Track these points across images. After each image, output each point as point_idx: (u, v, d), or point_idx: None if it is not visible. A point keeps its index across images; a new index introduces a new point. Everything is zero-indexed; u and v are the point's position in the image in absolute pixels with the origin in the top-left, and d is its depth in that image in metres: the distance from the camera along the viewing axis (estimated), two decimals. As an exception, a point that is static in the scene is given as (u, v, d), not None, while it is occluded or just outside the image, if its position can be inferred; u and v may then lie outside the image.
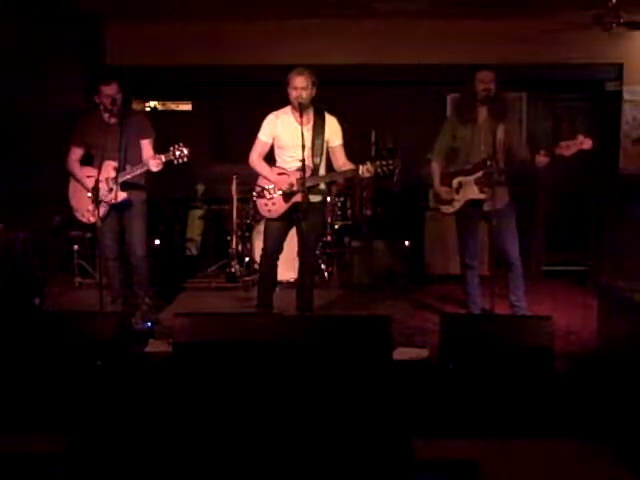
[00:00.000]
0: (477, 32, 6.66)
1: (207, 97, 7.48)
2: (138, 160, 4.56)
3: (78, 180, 4.65)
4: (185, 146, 4.42)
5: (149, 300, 4.88)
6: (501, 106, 4.60)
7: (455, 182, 4.71)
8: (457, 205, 4.71)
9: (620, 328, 3.74)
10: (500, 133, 4.56)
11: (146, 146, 4.61)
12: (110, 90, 4.49)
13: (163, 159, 4.42)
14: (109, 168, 4.42)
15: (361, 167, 4.33)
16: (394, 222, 6.93)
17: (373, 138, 7.27)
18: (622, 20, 5.88)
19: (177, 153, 4.41)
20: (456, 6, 6.33)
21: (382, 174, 4.34)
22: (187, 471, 2.66)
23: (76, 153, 4.67)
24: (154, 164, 4.43)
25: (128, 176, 4.49)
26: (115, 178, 4.41)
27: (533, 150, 4.48)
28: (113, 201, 4.47)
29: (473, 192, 4.60)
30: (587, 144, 4.24)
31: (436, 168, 4.83)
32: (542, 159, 4.34)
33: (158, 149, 4.61)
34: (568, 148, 4.26)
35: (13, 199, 5.51)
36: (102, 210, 4.45)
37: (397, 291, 5.96)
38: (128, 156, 4.56)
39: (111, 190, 4.43)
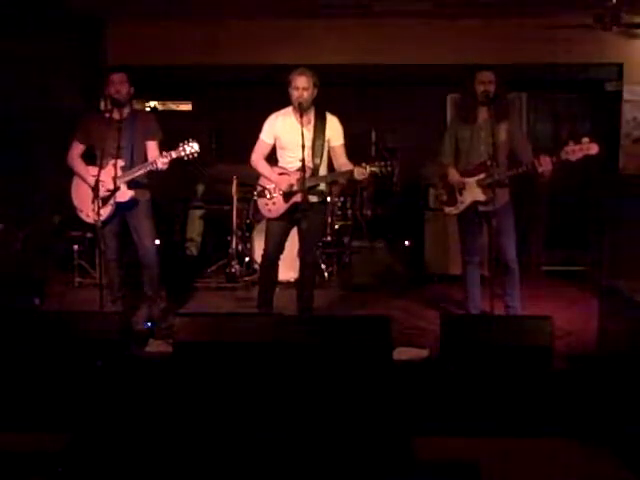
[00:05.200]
0: (477, 32, 6.66)
1: (207, 97, 7.48)
2: (143, 160, 4.50)
3: (80, 175, 4.60)
4: (194, 141, 4.37)
5: (161, 302, 4.83)
6: (502, 106, 4.55)
7: None
8: (462, 207, 4.69)
9: (620, 328, 3.74)
10: (502, 133, 4.54)
11: (152, 147, 4.57)
12: (118, 78, 4.47)
13: (173, 155, 4.37)
14: (114, 166, 4.37)
15: (355, 170, 4.30)
16: (394, 222, 6.93)
17: (373, 138, 7.28)
18: (622, 20, 5.88)
19: (187, 149, 4.36)
20: (456, 6, 6.34)
21: (381, 174, 4.34)
22: (187, 470, 2.66)
23: (77, 148, 4.63)
24: (161, 162, 4.38)
25: (132, 175, 4.45)
26: (114, 177, 4.35)
27: (535, 153, 4.44)
28: (120, 199, 4.42)
29: (477, 194, 4.58)
30: (594, 149, 4.17)
31: (451, 167, 4.74)
32: (546, 167, 4.28)
33: (160, 149, 4.57)
34: (574, 153, 4.19)
35: (13, 199, 5.52)
36: (108, 210, 4.42)
37: (397, 291, 5.95)
38: (134, 156, 4.51)
39: (118, 189, 4.38)
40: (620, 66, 6.83)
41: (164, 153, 4.40)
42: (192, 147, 4.35)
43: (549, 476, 2.67)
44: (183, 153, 4.36)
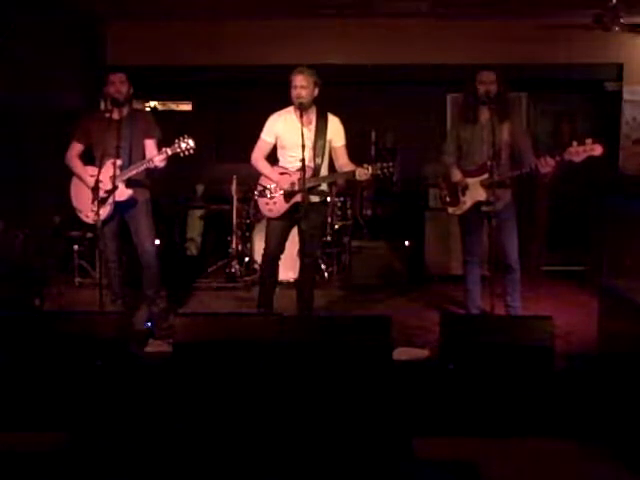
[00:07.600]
0: (477, 32, 6.67)
1: (207, 97, 7.49)
2: (141, 159, 4.51)
3: (78, 175, 4.60)
4: (190, 137, 4.38)
5: (161, 302, 4.82)
6: (504, 106, 4.54)
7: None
8: (465, 207, 4.68)
9: (620, 328, 3.74)
10: (504, 134, 4.53)
11: (150, 146, 4.57)
12: (117, 78, 4.47)
13: (169, 152, 4.37)
14: (113, 166, 4.37)
15: (357, 170, 4.31)
16: (394, 222, 6.93)
17: (373, 138, 7.28)
18: (622, 20, 5.88)
19: (183, 145, 4.36)
20: (456, 6, 6.34)
21: (382, 176, 4.34)
22: (186, 470, 2.66)
23: (76, 148, 4.63)
24: (159, 159, 4.39)
25: (131, 173, 4.45)
26: (113, 176, 4.34)
27: (537, 154, 4.44)
28: (118, 198, 4.42)
29: (479, 194, 4.57)
30: (598, 150, 4.15)
31: (454, 167, 4.72)
32: (548, 168, 4.28)
33: (159, 149, 4.57)
34: (577, 154, 4.17)
35: (13, 199, 5.51)
36: (106, 210, 4.41)
37: (397, 291, 5.95)
38: (132, 155, 4.51)
39: (116, 188, 4.38)
40: (620, 66, 6.84)
41: (162, 150, 4.40)
42: (187, 143, 4.36)
43: (549, 476, 2.67)
44: (179, 149, 4.36)
